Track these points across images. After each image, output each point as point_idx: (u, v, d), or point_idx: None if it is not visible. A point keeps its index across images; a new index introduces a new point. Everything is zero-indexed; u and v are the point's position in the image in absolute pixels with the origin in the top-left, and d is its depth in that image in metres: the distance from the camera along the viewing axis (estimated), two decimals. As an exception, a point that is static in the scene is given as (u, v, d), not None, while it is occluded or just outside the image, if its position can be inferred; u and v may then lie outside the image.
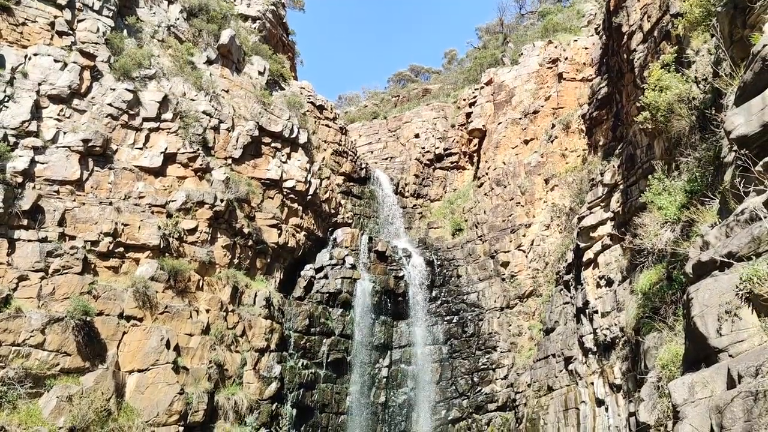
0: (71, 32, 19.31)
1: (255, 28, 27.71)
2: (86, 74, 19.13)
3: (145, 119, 20.27)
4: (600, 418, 17.54)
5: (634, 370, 14.63)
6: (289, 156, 24.97)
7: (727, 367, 6.31)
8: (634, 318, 13.91)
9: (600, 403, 17.71)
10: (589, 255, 19.65)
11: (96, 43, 19.62)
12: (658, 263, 12.95)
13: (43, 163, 17.62)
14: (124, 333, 17.12)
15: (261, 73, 25.63)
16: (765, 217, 7.06)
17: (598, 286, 19.02)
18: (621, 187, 18.09)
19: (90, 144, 18.44)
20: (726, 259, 7.23)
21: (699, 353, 7.16)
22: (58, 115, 18.34)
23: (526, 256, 27.30)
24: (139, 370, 16.97)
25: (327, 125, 28.87)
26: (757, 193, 7.41)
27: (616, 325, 16.94)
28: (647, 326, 12.46)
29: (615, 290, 17.63)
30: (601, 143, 22.98)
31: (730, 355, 6.61)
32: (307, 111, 27.50)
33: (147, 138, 20.23)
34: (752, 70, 7.78)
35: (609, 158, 20.13)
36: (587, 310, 19.34)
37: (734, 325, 6.64)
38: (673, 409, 6.91)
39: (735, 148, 8.14)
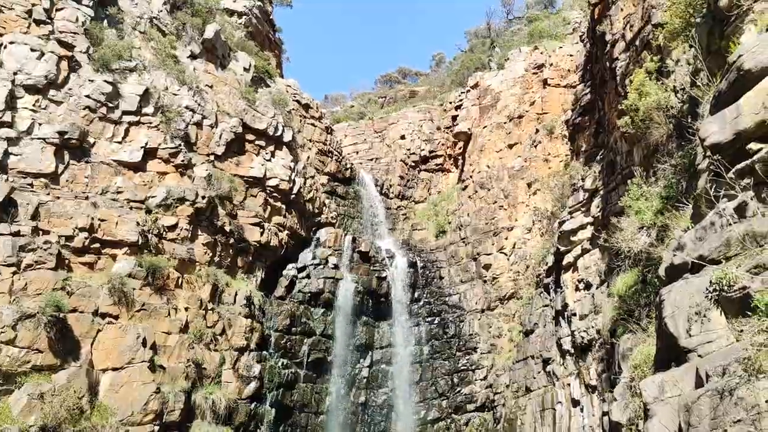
0: (49, 21, 18.88)
1: (241, 24, 27.47)
2: (64, 64, 18.71)
3: (125, 112, 19.91)
4: (575, 418, 17.79)
5: (608, 371, 14.87)
6: (273, 154, 24.80)
7: (696, 367, 6.45)
8: (609, 320, 14.14)
9: (576, 403, 17.97)
10: (568, 259, 19.92)
11: (75, 33, 19.20)
12: (635, 267, 13.20)
13: (17, 155, 17.19)
14: (99, 330, 16.76)
15: (246, 70, 25.41)
16: (736, 222, 7.25)
17: (577, 289, 19.30)
18: (601, 192, 18.39)
19: (66, 136, 18.04)
20: (698, 262, 7.40)
21: (670, 353, 7.31)
22: (34, 105, 17.91)
23: (508, 259, 27.56)
24: (114, 369, 16.63)
25: (312, 124, 28.76)
26: (728, 198, 7.60)
27: (593, 327, 17.20)
28: (622, 328, 12.68)
29: (593, 293, 17.90)
30: (583, 149, 23.30)
31: (699, 355, 6.75)
32: (293, 109, 27.35)
33: (126, 132, 19.88)
34: (727, 80, 7.98)
35: (590, 164, 20.44)
36: (566, 313, 19.60)
37: (704, 326, 6.79)
38: (643, 407, 7.03)
39: (709, 154, 8.33)
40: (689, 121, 10.70)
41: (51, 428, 14.22)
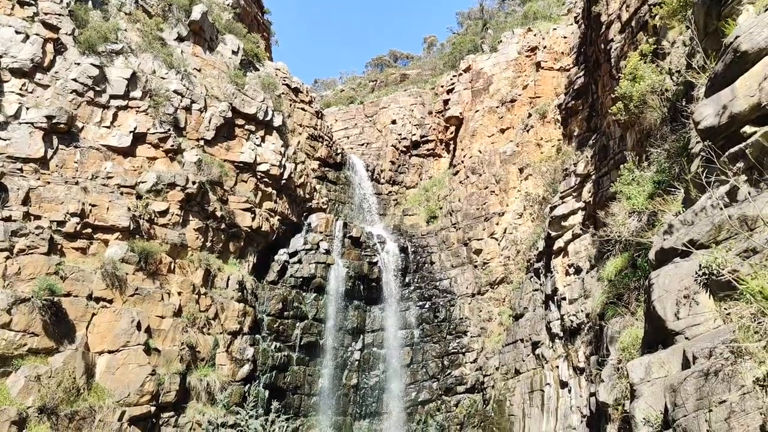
0: (33, 2, 18.42)
1: (229, 5, 26.91)
2: (49, 47, 18.31)
3: (113, 96, 19.60)
4: (563, 398, 18.20)
5: (597, 353, 15.17)
6: (263, 139, 24.58)
7: (683, 349, 6.60)
8: (599, 304, 14.38)
9: (564, 385, 18.35)
10: (559, 243, 20.11)
11: (60, 15, 18.75)
12: (625, 252, 13.36)
13: (5, 140, 16.95)
14: (94, 314, 16.81)
15: (235, 53, 25.00)
16: (727, 206, 7.33)
17: (567, 273, 19.54)
18: (593, 177, 18.50)
19: (54, 121, 17.75)
20: (687, 247, 7.49)
21: (657, 336, 7.46)
22: (21, 89, 17.59)
23: (499, 244, 27.76)
24: (110, 351, 16.75)
25: (303, 109, 28.48)
26: (720, 183, 7.60)
27: (582, 311, 17.49)
28: (611, 311, 12.90)
29: (583, 278, 18.14)
30: (575, 133, 23.36)
31: (686, 338, 6.90)
32: (282, 93, 27.03)
33: (115, 116, 19.60)
34: (723, 62, 7.74)
35: (583, 149, 20.52)
36: (556, 297, 19.87)
37: (691, 309, 6.92)
38: (630, 388, 7.21)
39: (701, 138, 8.32)
40: (684, 104, 10.62)
41: (49, 409, 14.37)
